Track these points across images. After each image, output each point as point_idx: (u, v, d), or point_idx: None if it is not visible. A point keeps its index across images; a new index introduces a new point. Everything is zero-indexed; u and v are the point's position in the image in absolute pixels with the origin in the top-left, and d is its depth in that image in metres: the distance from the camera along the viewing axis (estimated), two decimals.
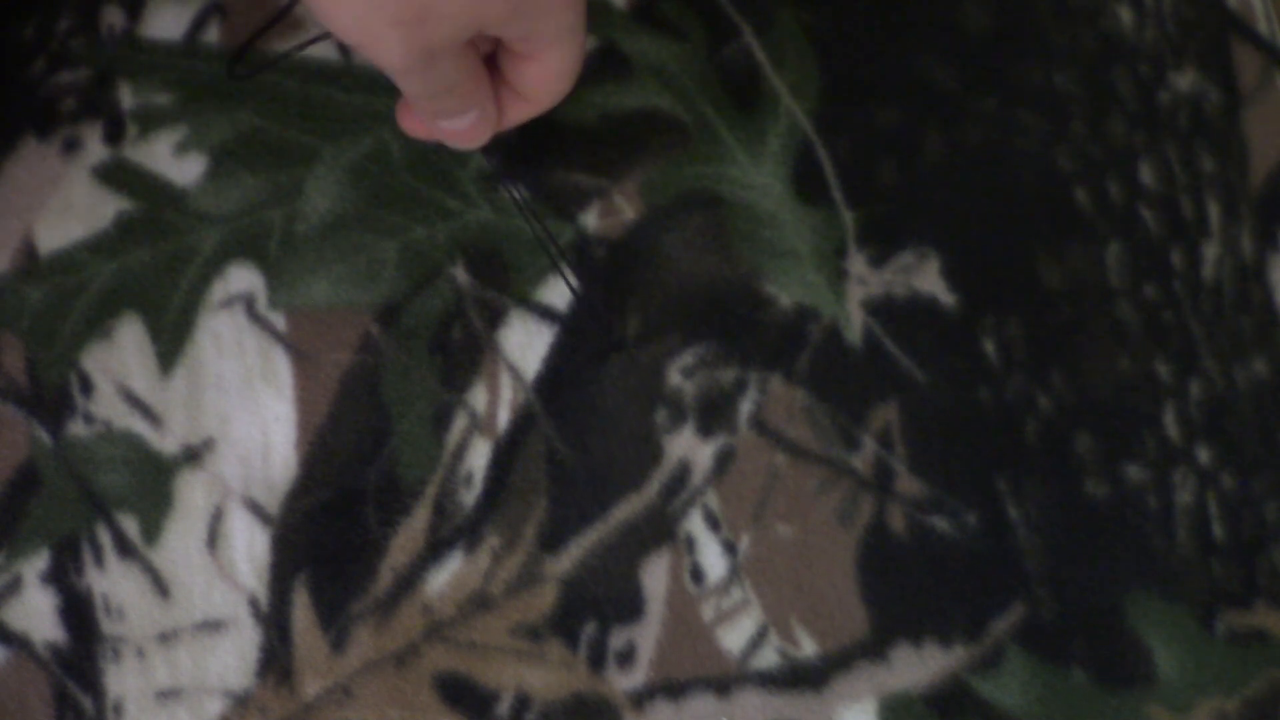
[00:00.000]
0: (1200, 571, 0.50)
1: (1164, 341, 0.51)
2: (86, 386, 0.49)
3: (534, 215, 0.49)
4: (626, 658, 0.49)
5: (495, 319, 0.50)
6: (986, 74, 0.52)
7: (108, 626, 0.49)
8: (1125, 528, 0.50)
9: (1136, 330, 0.51)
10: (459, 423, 0.50)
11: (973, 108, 0.52)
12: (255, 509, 0.49)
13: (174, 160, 0.51)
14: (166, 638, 0.49)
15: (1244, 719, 0.49)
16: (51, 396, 0.49)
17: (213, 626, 0.49)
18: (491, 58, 0.44)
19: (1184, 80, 0.54)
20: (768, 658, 0.49)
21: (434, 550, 0.49)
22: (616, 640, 0.49)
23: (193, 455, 0.49)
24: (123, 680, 0.48)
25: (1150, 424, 0.51)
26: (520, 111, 0.45)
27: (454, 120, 0.44)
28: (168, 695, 0.48)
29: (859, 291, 0.51)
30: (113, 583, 0.49)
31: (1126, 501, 0.50)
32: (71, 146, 0.51)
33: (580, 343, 0.50)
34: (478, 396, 0.50)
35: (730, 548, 0.49)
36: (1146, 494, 0.50)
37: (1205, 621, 0.49)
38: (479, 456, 0.50)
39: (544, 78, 0.44)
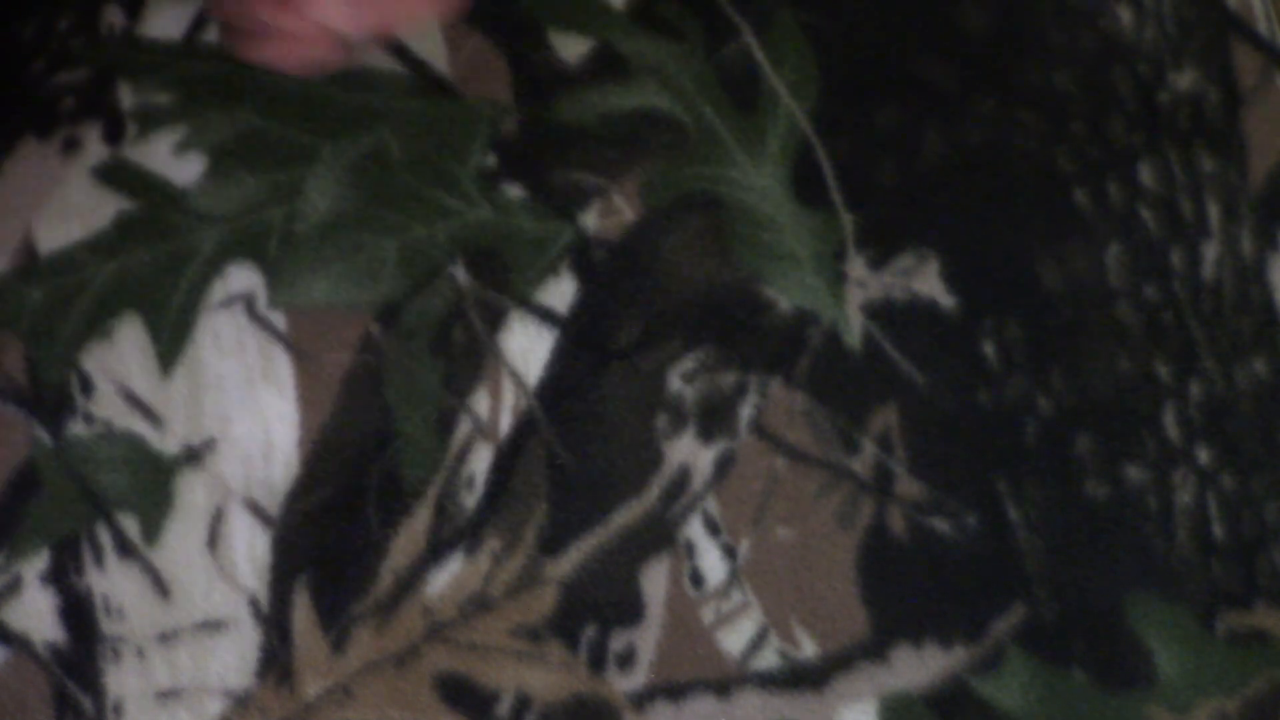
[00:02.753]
0: (1200, 572, 0.50)
1: (1164, 342, 0.51)
2: (86, 386, 0.49)
3: None
4: (626, 660, 0.49)
5: (496, 321, 0.50)
6: (986, 74, 0.52)
7: (108, 626, 0.49)
8: (1125, 528, 0.50)
9: (1136, 331, 0.51)
10: (463, 427, 0.50)
11: (972, 108, 0.52)
12: (256, 509, 0.49)
13: (173, 160, 0.51)
14: (166, 638, 0.49)
15: (1244, 719, 0.49)
16: (51, 396, 0.49)
17: (213, 627, 0.49)
18: None
19: (1184, 80, 0.54)
20: (768, 658, 0.49)
21: (435, 552, 0.49)
22: (616, 642, 0.49)
23: (193, 455, 0.49)
24: (123, 680, 0.48)
25: (1150, 425, 0.51)
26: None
27: None
28: (168, 695, 0.48)
29: (858, 295, 0.51)
30: (113, 583, 0.49)
31: (1126, 502, 0.50)
32: (71, 146, 0.51)
33: (582, 350, 0.50)
34: (480, 401, 0.50)
35: (730, 551, 0.50)
36: (1147, 495, 0.50)
37: (1205, 622, 0.49)
38: (481, 460, 0.50)
39: None
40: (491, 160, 0.51)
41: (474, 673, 0.49)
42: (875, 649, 0.49)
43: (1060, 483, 0.50)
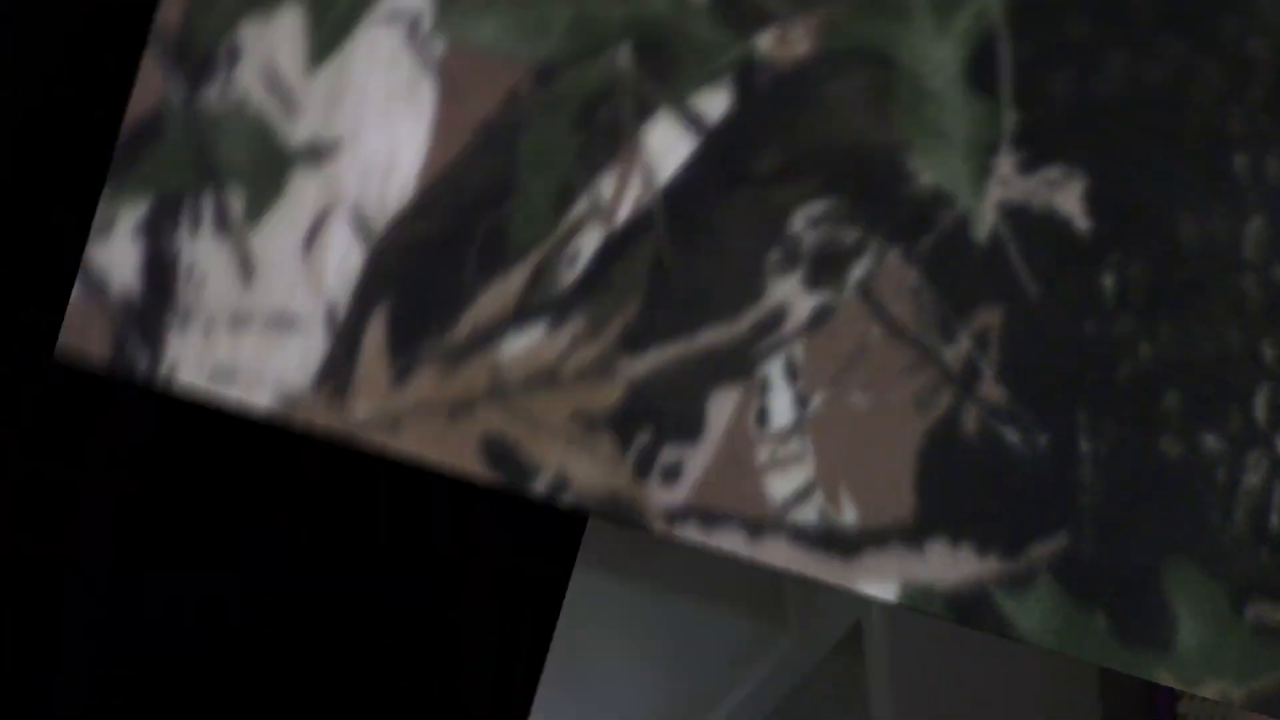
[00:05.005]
0: (1247, 555, 0.50)
1: (1277, 325, 0.51)
2: (233, 55, 0.49)
3: None
4: (672, 474, 0.49)
5: (645, 112, 0.50)
6: (1183, 17, 0.52)
7: (184, 293, 0.49)
8: (1188, 492, 0.50)
9: (1254, 307, 0.51)
10: (581, 203, 0.49)
11: (1162, 46, 0.52)
12: (360, 223, 0.49)
13: None
14: (238, 320, 0.49)
15: (1248, 707, 0.49)
16: (199, 56, 0.49)
17: (286, 323, 0.49)
18: None
19: None
20: (807, 514, 0.49)
21: (519, 316, 0.49)
22: (667, 455, 0.49)
23: (315, 153, 0.49)
24: (184, 346, 0.48)
25: (1241, 400, 0.51)
26: None
27: None
28: (223, 371, 0.48)
29: (998, 191, 0.51)
30: (202, 252, 0.49)
31: (1196, 468, 0.50)
32: None
33: (719, 164, 0.50)
34: (606, 184, 0.50)
35: (803, 401, 0.49)
36: (1217, 466, 0.50)
37: (1236, 605, 0.49)
38: (590, 241, 0.49)
39: None
40: None
41: (523, 442, 0.48)
42: (913, 536, 0.49)
43: (1138, 430, 0.50)
